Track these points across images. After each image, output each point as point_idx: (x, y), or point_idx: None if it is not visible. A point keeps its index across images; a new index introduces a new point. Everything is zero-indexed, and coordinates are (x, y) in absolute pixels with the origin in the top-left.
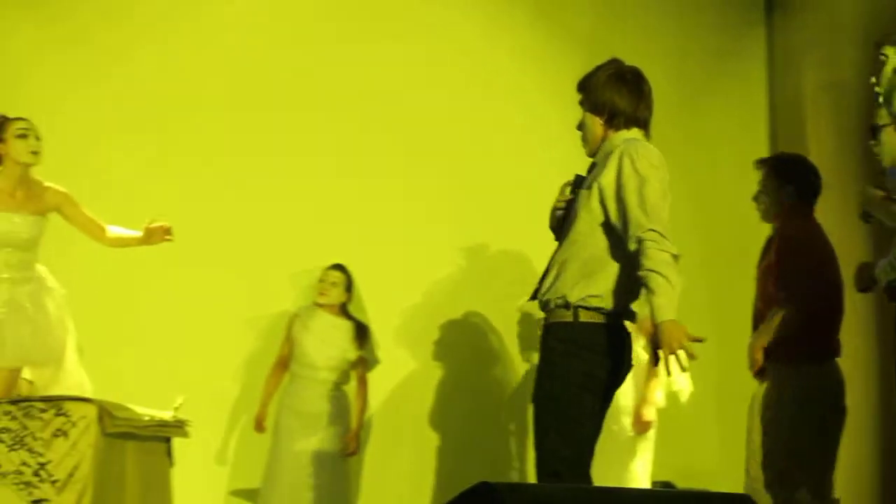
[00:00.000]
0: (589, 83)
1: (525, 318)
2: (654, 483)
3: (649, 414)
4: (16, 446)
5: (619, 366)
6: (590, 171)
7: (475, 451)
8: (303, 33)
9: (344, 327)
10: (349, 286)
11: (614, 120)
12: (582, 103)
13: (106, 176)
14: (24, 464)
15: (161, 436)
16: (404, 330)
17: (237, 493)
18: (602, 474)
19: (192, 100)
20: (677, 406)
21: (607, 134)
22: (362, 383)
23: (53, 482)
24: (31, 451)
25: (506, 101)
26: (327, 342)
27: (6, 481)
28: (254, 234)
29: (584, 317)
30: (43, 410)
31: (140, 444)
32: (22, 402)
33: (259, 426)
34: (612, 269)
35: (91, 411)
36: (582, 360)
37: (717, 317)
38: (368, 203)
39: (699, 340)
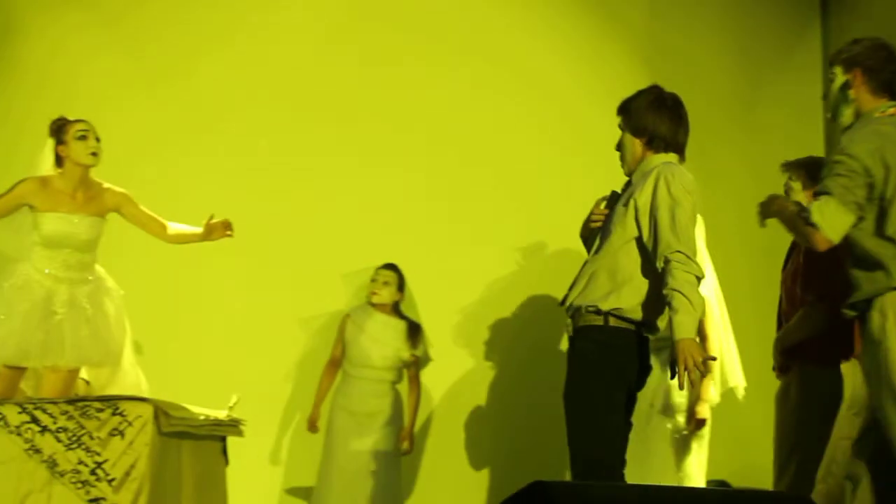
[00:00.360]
0: (630, 107)
1: None
2: (709, 482)
3: (704, 412)
4: (73, 445)
5: (644, 370)
6: (625, 188)
7: (529, 449)
8: (353, 39)
9: (397, 326)
10: (401, 285)
11: (654, 143)
12: (622, 125)
13: (161, 178)
14: (81, 463)
15: (216, 435)
16: (457, 329)
17: (291, 492)
18: (657, 473)
19: (247, 102)
20: (733, 404)
21: (646, 155)
22: (415, 382)
23: (110, 481)
24: (88, 450)
25: (559, 101)
26: (381, 341)
27: (64, 480)
28: (306, 234)
29: (614, 322)
30: (100, 410)
31: (195, 443)
32: (79, 401)
33: (312, 427)
34: (641, 283)
35: (147, 411)
36: (613, 360)
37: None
38: (421, 203)
39: (712, 359)
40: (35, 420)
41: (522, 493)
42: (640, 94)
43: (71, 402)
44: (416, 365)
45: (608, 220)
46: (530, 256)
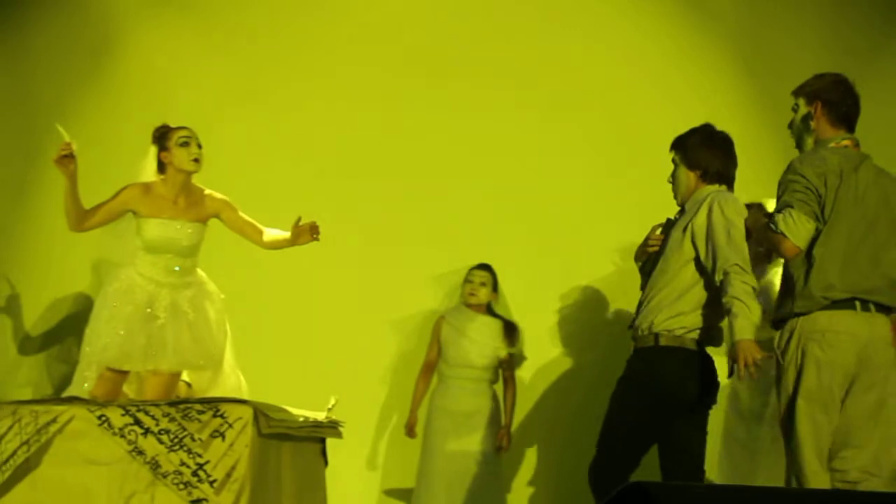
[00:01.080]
0: (686, 143)
1: None
2: None
3: None
4: (175, 447)
5: (711, 385)
6: (678, 215)
7: None
8: (454, 30)
9: (494, 325)
10: (495, 285)
11: (707, 176)
12: (677, 159)
13: (256, 181)
14: (183, 464)
15: (315, 436)
16: (551, 329)
17: (389, 494)
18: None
19: (342, 108)
20: None
21: (699, 186)
22: (511, 380)
23: (212, 482)
24: (189, 451)
25: (655, 96)
26: (479, 341)
27: (167, 481)
28: (399, 236)
29: (666, 342)
30: (201, 412)
31: (295, 444)
32: (181, 404)
33: (410, 432)
34: (699, 301)
35: (247, 413)
36: (662, 380)
37: None
38: (513, 203)
39: (769, 357)
40: (138, 422)
41: (621, 494)
42: (694, 131)
43: (173, 404)
44: (511, 363)
45: (664, 245)
46: (626, 256)
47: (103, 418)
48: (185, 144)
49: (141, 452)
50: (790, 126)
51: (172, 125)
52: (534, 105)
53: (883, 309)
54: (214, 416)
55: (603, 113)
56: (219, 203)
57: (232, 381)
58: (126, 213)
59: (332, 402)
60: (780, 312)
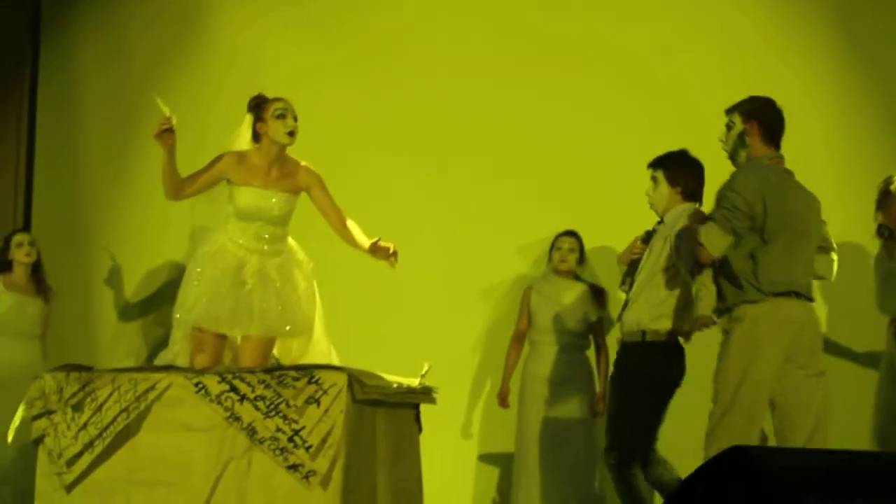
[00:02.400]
0: (669, 164)
1: None
2: None
3: None
4: (271, 413)
5: (680, 372)
6: (656, 227)
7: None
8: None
9: (582, 291)
10: (582, 252)
11: (685, 193)
12: (657, 176)
13: (345, 157)
14: (279, 430)
15: (409, 403)
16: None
17: (484, 459)
18: None
19: (433, 79)
20: None
21: (677, 202)
22: (604, 346)
23: (307, 448)
24: (285, 418)
25: (753, 76)
26: (568, 307)
27: (263, 447)
28: (488, 205)
29: (651, 337)
30: (296, 379)
31: (389, 410)
32: (276, 370)
33: (504, 402)
34: (674, 304)
35: (341, 379)
36: (655, 372)
37: None
38: (598, 172)
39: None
40: (234, 389)
41: (720, 458)
42: (674, 154)
43: (268, 371)
44: (602, 328)
45: (648, 253)
46: None
47: (200, 385)
48: (282, 117)
49: (237, 419)
50: (723, 140)
51: (270, 96)
52: (618, 76)
53: (810, 300)
54: (309, 382)
55: (694, 88)
56: (312, 178)
57: (322, 348)
58: (221, 181)
59: (426, 368)
60: (725, 303)
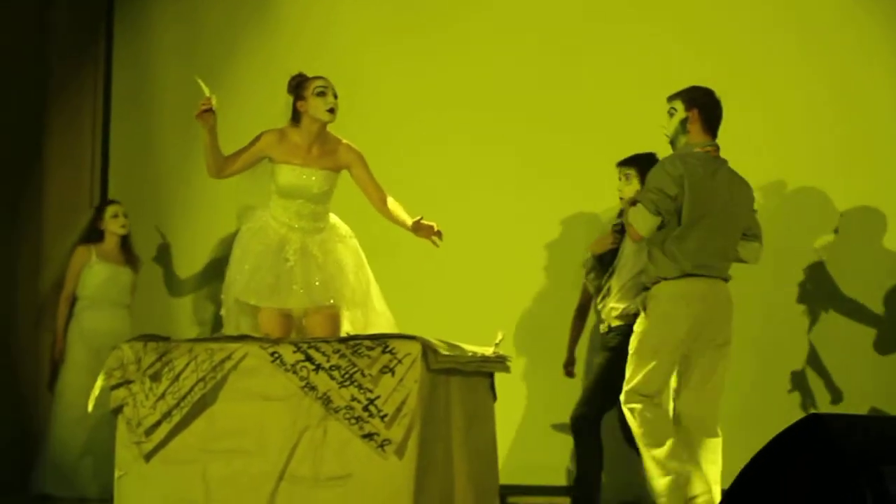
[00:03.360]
0: (641, 163)
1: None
2: None
3: None
4: (346, 383)
5: None
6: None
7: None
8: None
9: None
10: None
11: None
12: (631, 174)
13: (405, 130)
14: (354, 399)
15: (484, 371)
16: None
17: (557, 428)
18: None
19: (499, 40)
20: None
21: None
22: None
23: (382, 417)
24: (360, 387)
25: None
26: None
27: (338, 416)
28: (547, 180)
29: (626, 321)
30: (370, 348)
31: (463, 379)
32: (350, 340)
33: (569, 372)
34: (639, 284)
35: (416, 348)
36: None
37: None
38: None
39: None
40: (309, 358)
41: (798, 426)
42: (643, 156)
43: (342, 340)
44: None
45: (619, 246)
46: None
47: (276, 355)
48: (322, 94)
49: (313, 388)
50: (665, 126)
51: (309, 75)
52: (700, 44)
53: (723, 280)
54: (384, 351)
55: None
56: (352, 156)
57: (384, 321)
58: (263, 159)
59: (500, 337)
60: (649, 277)
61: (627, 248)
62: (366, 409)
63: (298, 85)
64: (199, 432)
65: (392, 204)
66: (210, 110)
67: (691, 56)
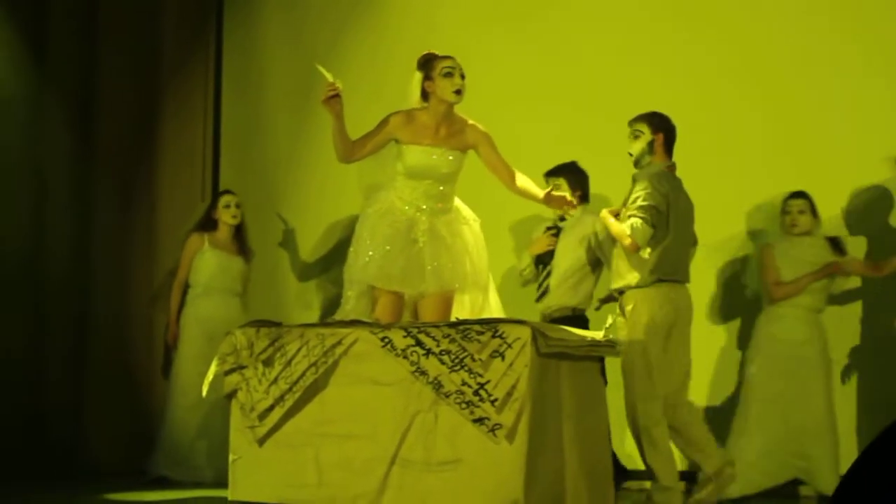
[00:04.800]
0: (571, 171)
1: None
2: None
3: None
4: (456, 367)
5: None
6: (557, 225)
7: None
8: None
9: (821, 244)
10: (814, 210)
11: (583, 197)
12: (559, 185)
13: (514, 113)
14: (464, 384)
15: (594, 355)
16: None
17: None
18: None
19: (601, 25)
20: None
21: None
22: None
23: (493, 401)
24: (470, 371)
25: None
26: (811, 262)
27: (449, 401)
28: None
29: (577, 311)
30: (480, 333)
31: (574, 364)
32: (460, 325)
33: None
34: (588, 285)
35: (525, 333)
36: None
37: None
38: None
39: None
40: (419, 343)
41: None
42: (570, 165)
43: (452, 325)
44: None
45: (563, 247)
46: None
47: (386, 340)
48: (449, 75)
49: (423, 373)
50: (630, 147)
51: (438, 53)
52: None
53: (686, 283)
54: (493, 336)
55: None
56: (479, 136)
57: (494, 303)
58: (391, 141)
59: (609, 321)
60: (625, 283)
61: (561, 248)
62: (476, 393)
63: (426, 64)
64: (311, 416)
65: (521, 180)
66: (336, 96)
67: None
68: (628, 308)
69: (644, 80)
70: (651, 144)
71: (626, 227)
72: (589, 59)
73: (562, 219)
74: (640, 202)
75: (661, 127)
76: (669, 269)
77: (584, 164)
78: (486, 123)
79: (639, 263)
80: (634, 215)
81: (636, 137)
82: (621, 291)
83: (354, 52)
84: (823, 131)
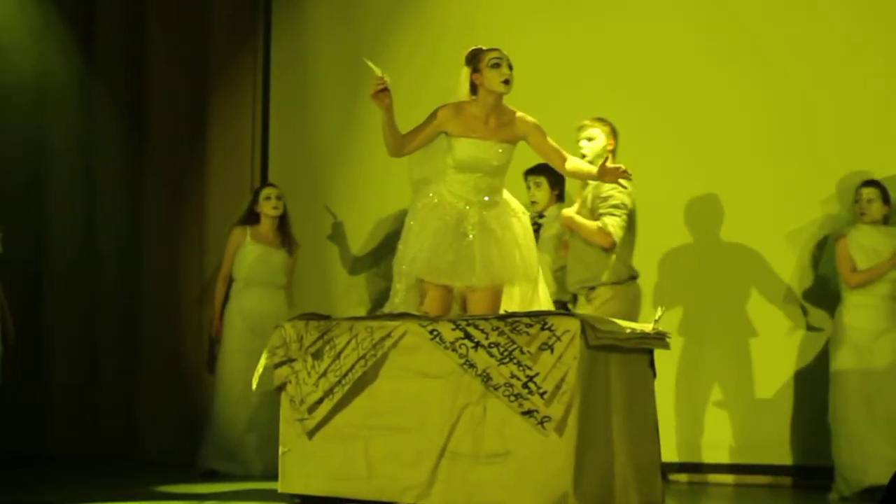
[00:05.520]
0: (551, 172)
1: None
2: None
3: None
4: (505, 360)
5: None
6: (537, 222)
7: None
8: None
9: (892, 233)
10: (886, 198)
11: (559, 196)
12: (539, 182)
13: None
14: (513, 376)
15: (643, 348)
16: None
17: (717, 405)
18: None
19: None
20: None
21: (552, 202)
22: None
23: (542, 394)
24: (519, 364)
25: None
26: (884, 252)
27: (498, 393)
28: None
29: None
30: (529, 325)
31: (623, 356)
32: (509, 317)
33: None
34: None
35: (574, 325)
36: None
37: None
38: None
39: None
40: (468, 336)
41: None
42: (547, 165)
43: (501, 318)
44: None
45: (540, 242)
46: None
47: (435, 333)
48: (496, 66)
49: (472, 365)
50: (585, 148)
51: (485, 48)
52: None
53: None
54: (542, 329)
55: None
56: (529, 126)
57: (543, 296)
58: (440, 134)
59: (659, 313)
60: (591, 282)
61: (539, 245)
62: (525, 385)
63: (474, 57)
64: (360, 409)
65: (571, 163)
66: (385, 89)
67: None
68: (597, 302)
69: (688, 71)
70: (605, 147)
71: (604, 226)
72: (633, 46)
73: (540, 215)
74: (612, 201)
75: (614, 135)
76: (632, 267)
77: (629, 149)
78: (532, 114)
79: (603, 260)
80: (611, 213)
81: (589, 140)
82: (591, 287)
83: (400, 44)
84: None
